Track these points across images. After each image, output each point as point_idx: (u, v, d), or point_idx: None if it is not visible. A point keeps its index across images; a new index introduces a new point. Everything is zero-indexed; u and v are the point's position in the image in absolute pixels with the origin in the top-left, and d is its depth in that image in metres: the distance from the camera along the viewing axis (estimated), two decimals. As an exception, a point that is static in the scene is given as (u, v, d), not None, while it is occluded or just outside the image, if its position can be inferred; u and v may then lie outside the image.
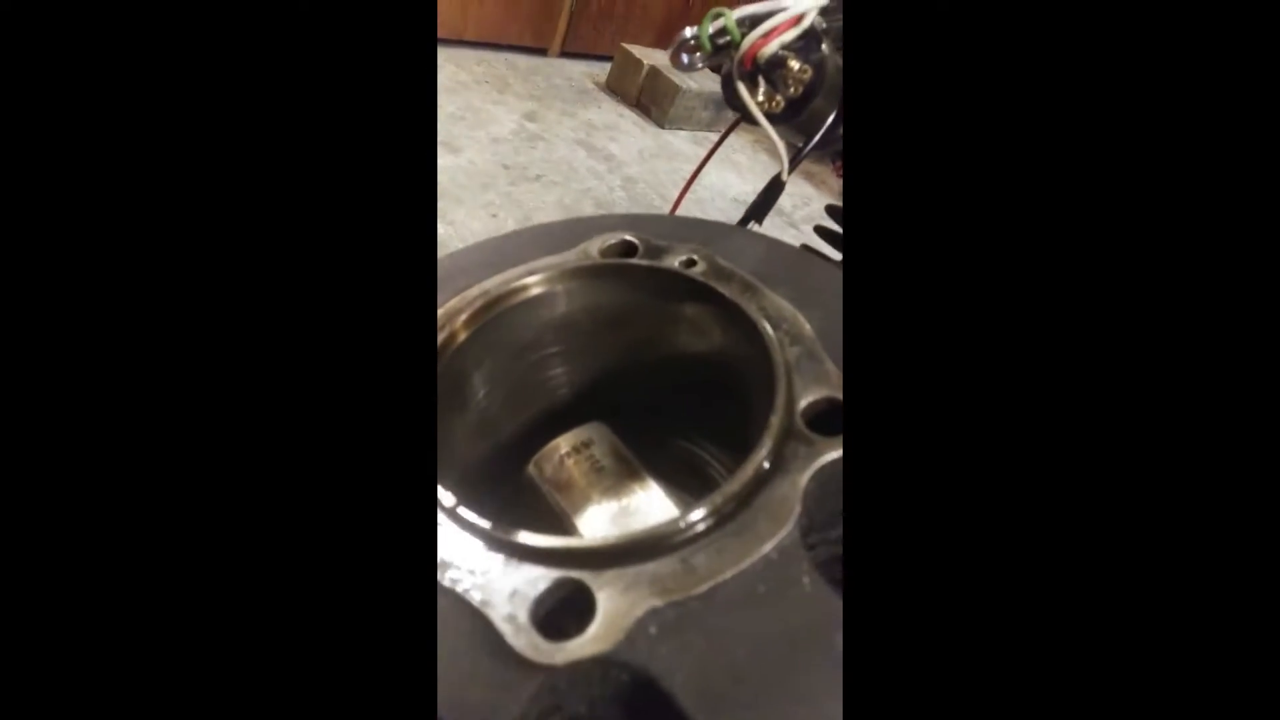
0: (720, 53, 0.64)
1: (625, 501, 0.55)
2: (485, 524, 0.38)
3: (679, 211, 0.93)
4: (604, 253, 0.55)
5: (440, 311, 0.51)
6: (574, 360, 0.58)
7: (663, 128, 3.31)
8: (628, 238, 0.56)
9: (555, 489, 0.57)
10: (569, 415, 0.61)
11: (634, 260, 0.53)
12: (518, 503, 0.58)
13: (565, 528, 0.56)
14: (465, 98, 2.99)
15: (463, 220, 2.33)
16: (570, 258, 0.54)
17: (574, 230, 0.57)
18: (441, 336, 0.48)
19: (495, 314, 0.51)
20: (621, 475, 0.58)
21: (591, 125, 3.14)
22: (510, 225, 2.38)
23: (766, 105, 0.65)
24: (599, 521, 0.55)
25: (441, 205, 2.36)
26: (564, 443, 0.60)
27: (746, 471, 0.38)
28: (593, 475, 0.58)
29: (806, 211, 3.03)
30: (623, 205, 2.73)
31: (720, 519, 0.37)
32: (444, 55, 3.21)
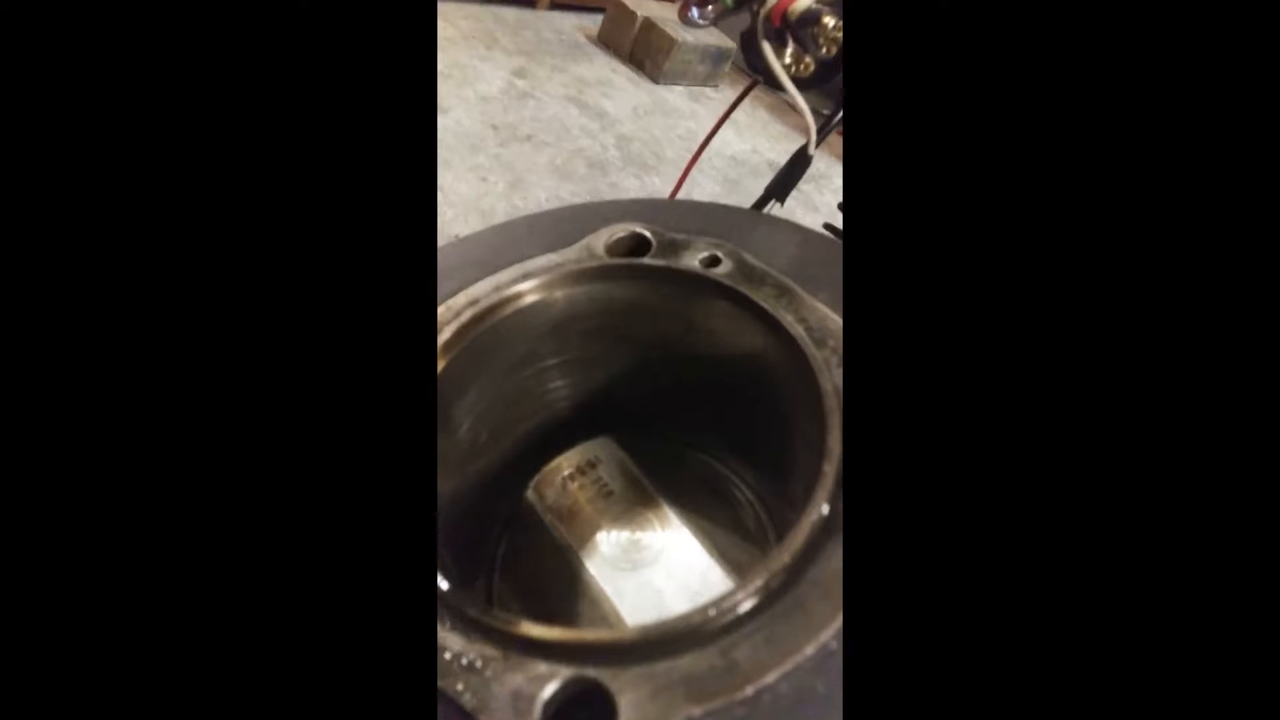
0: (742, 7, 0.55)
1: (639, 534, 0.49)
2: (478, 613, 0.31)
3: (684, 183, 0.84)
4: (611, 248, 0.47)
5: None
6: (576, 372, 0.51)
7: (657, 83, 3.17)
8: (638, 230, 0.47)
9: (558, 519, 0.50)
10: (571, 430, 0.54)
11: (647, 260, 0.45)
12: (516, 537, 0.51)
13: (569, 564, 0.49)
14: (451, 54, 2.85)
15: (450, 184, 2.24)
16: (572, 256, 0.46)
17: (576, 221, 0.49)
18: (425, 356, 0.41)
19: (485, 327, 0.43)
20: (633, 500, 0.51)
21: (583, 81, 3.02)
22: (500, 188, 2.29)
23: (794, 68, 0.56)
24: (609, 556, 0.49)
25: (428, 169, 2.25)
26: (566, 463, 0.53)
27: (797, 539, 0.31)
28: (600, 501, 0.51)
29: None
30: (617, 165, 2.64)
31: (767, 597, 0.30)
32: (427, 8, 3.06)
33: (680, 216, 0.49)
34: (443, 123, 2.47)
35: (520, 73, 2.91)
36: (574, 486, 0.51)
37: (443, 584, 0.32)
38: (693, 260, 0.45)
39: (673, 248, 0.46)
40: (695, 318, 0.46)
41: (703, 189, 2.58)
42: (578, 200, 2.33)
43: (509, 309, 0.44)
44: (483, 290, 0.45)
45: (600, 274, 0.45)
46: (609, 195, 2.40)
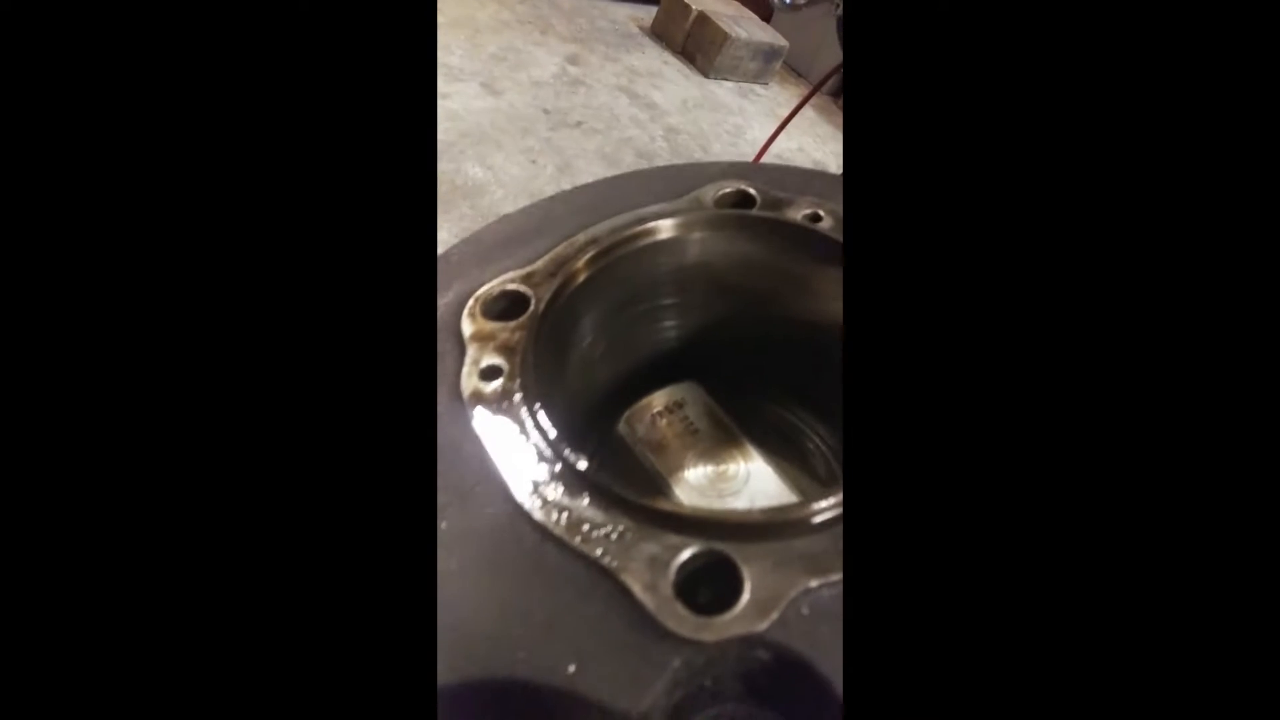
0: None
1: (723, 467, 0.53)
2: (619, 488, 0.35)
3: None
4: (718, 201, 0.52)
5: (548, 257, 0.48)
6: (678, 315, 0.55)
7: (707, 77, 3.21)
8: (743, 187, 0.52)
9: (649, 449, 0.55)
10: (663, 371, 0.58)
11: (754, 212, 0.49)
12: (607, 461, 0.55)
13: (659, 488, 0.53)
14: (506, 38, 2.91)
15: (501, 165, 2.28)
16: (683, 206, 0.51)
17: (682, 177, 0.54)
18: (557, 281, 0.45)
19: (615, 258, 0.48)
20: (717, 439, 0.55)
21: (634, 71, 3.06)
22: (550, 171, 2.33)
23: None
24: (696, 485, 0.53)
25: (480, 149, 2.31)
26: (656, 402, 0.57)
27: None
28: (688, 437, 0.55)
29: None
30: (664, 156, 2.67)
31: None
32: (487, -9, 3.11)
33: (777, 178, 0.54)
34: (496, 104, 2.52)
35: (573, 59, 2.95)
36: (663, 424, 0.56)
37: (582, 464, 0.37)
38: (796, 214, 0.49)
39: (776, 204, 0.51)
40: (794, 274, 0.50)
41: (747, 184, 2.61)
42: (625, 187, 2.37)
43: (627, 249, 0.48)
44: (601, 230, 0.49)
45: (713, 222, 0.49)
46: (655, 184, 2.44)
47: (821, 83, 0.72)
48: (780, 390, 0.60)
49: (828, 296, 0.50)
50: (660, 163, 2.59)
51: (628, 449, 0.56)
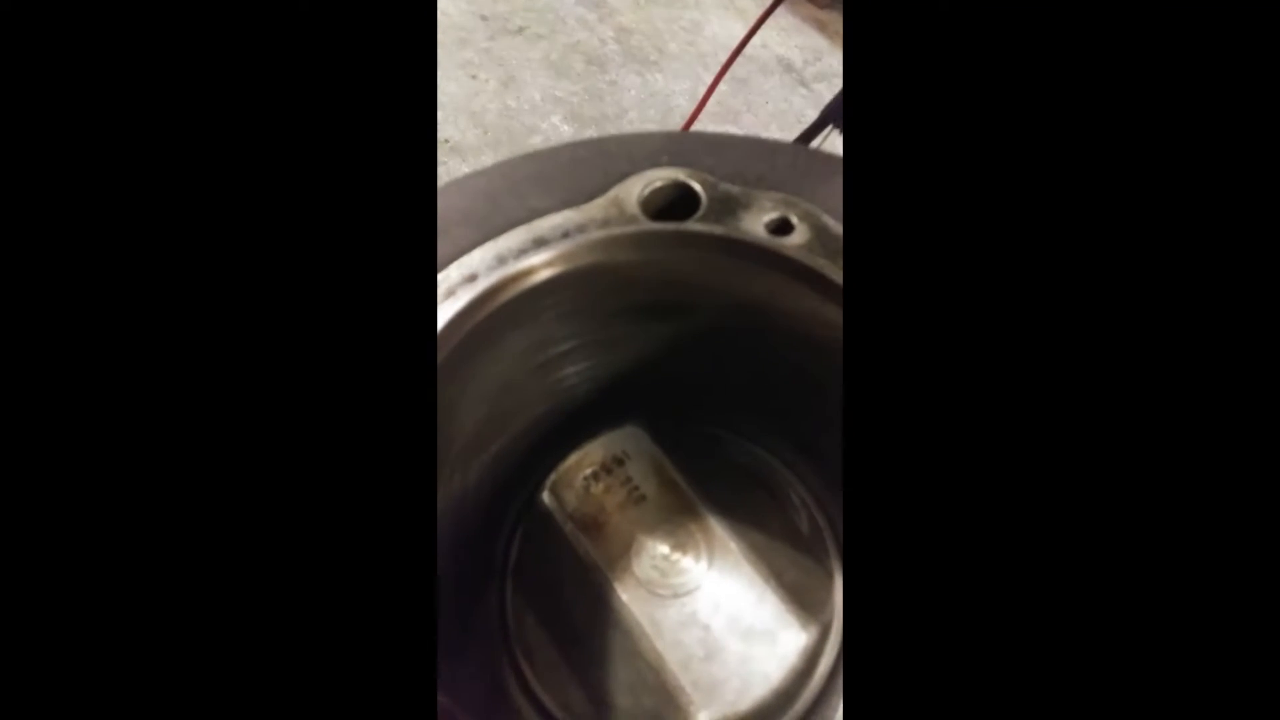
0: None
1: (678, 554, 0.41)
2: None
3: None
4: (646, 203, 0.36)
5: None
6: (598, 354, 0.41)
7: (660, -34, 2.91)
8: (682, 179, 0.37)
9: (581, 528, 0.42)
10: (592, 420, 0.45)
11: (697, 226, 0.34)
12: (529, 543, 0.43)
13: (595, 585, 0.41)
14: (431, -70, 2.60)
15: (439, 84, 2.09)
16: (597, 214, 0.35)
17: (599, 162, 0.38)
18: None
19: (489, 311, 0.33)
20: (669, 507, 0.43)
21: (579, -36, 2.76)
22: (492, 87, 2.14)
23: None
24: (644, 579, 0.41)
25: (411, 65, 2.09)
26: (588, 459, 0.44)
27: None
28: (631, 508, 0.43)
29: (818, 68, 2.74)
30: (616, 60, 2.46)
31: None
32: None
33: (730, 158, 0.38)
34: (426, 12, 2.28)
35: (510, -46, 2.66)
36: (598, 489, 0.43)
37: (442, 697, 0.24)
38: (756, 224, 0.35)
39: (727, 205, 0.36)
40: (753, 293, 0.36)
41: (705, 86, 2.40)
42: (575, 100, 2.18)
43: (517, 288, 0.34)
44: (481, 261, 0.35)
45: (637, 242, 0.34)
46: (609, 94, 2.24)
47: (767, 13, 0.55)
48: (749, 423, 0.47)
49: (798, 319, 0.36)
50: (613, 69, 2.38)
51: (556, 526, 0.43)
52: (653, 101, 2.37)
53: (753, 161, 0.38)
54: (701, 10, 2.79)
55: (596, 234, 0.34)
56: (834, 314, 0.33)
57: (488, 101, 2.15)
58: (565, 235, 0.35)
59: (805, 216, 0.34)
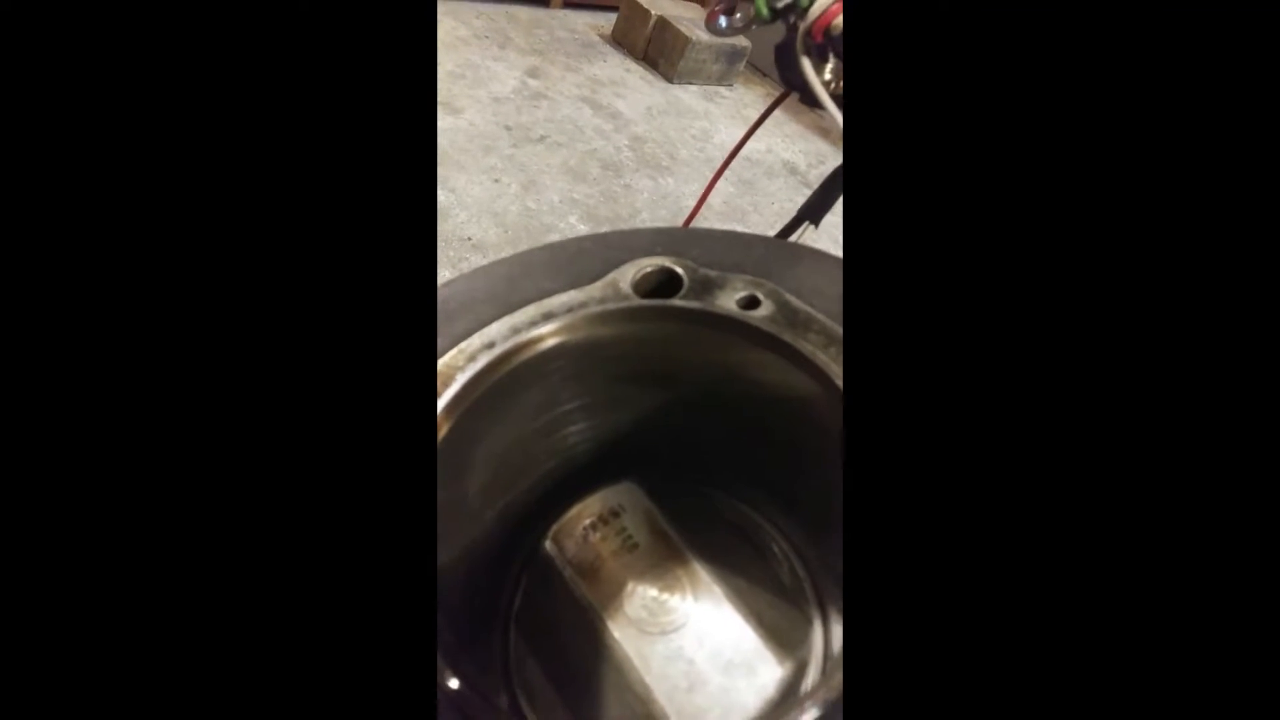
0: (779, 17, 0.51)
1: (666, 595, 0.45)
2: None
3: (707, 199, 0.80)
4: (638, 285, 0.43)
5: (437, 367, 0.39)
6: (598, 415, 0.47)
7: (671, 82, 3.13)
8: (668, 265, 0.44)
9: (578, 573, 0.47)
10: (592, 476, 0.50)
11: (681, 302, 0.41)
12: (533, 589, 0.47)
13: (591, 624, 0.45)
14: (464, 54, 2.82)
15: (464, 187, 2.21)
16: (596, 294, 0.42)
17: (600, 253, 0.45)
18: (447, 398, 0.37)
19: (503, 374, 0.39)
20: (660, 555, 0.47)
21: (597, 81, 2.98)
22: (514, 190, 2.26)
23: (834, 84, 0.52)
24: (634, 618, 0.45)
25: (442, 171, 2.24)
26: (587, 511, 0.49)
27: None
28: (625, 555, 0.47)
29: (821, 170, 2.88)
30: (630, 166, 2.60)
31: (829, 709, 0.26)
32: (442, 9, 3.03)
33: (713, 249, 0.46)
34: (455, 124, 2.44)
35: (533, 73, 2.87)
36: (595, 538, 0.48)
37: (453, 683, 0.29)
38: (729, 300, 0.41)
39: (706, 286, 0.42)
40: (732, 363, 0.42)
41: (716, 191, 2.53)
42: (591, 203, 2.30)
43: (528, 354, 0.40)
44: (498, 332, 0.41)
45: (629, 315, 0.41)
46: (623, 197, 2.36)
47: (766, 114, 0.64)
48: (736, 482, 0.52)
49: (771, 385, 0.42)
50: (627, 174, 2.52)
51: (556, 572, 0.48)
52: (664, 203, 2.47)
53: (730, 251, 0.45)
54: (710, 120, 2.99)
55: (595, 309, 0.41)
56: (797, 378, 0.39)
57: (509, 203, 2.24)
58: (569, 310, 0.41)
59: (770, 294, 0.41)
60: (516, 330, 0.41)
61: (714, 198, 2.48)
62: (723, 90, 3.27)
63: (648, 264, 0.44)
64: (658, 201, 2.42)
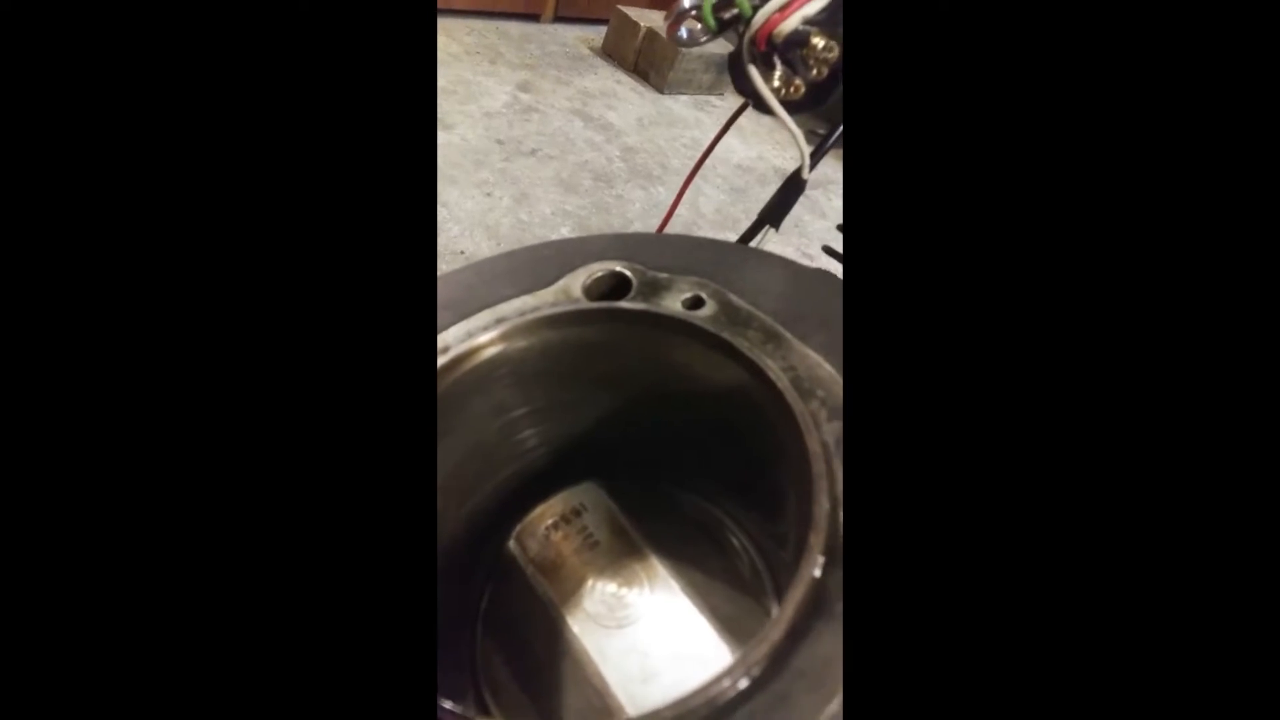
0: (727, 28, 0.52)
1: (624, 590, 0.46)
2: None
3: (690, 194, 0.82)
4: (589, 289, 0.45)
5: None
6: (551, 418, 0.48)
7: (662, 93, 3.15)
8: (618, 269, 0.45)
9: (540, 571, 0.48)
10: (552, 478, 0.51)
11: (624, 304, 0.42)
12: (499, 589, 0.48)
13: (552, 620, 0.46)
14: (455, 70, 2.85)
15: (456, 201, 2.23)
16: (548, 298, 0.44)
17: (556, 259, 0.47)
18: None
19: (451, 380, 0.41)
20: (619, 551, 0.48)
21: (588, 94, 3.00)
22: (506, 203, 2.28)
23: (783, 90, 0.54)
24: (593, 613, 0.46)
25: (433, 185, 2.25)
26: (549, 512, 0.51)
27: (782, 621, 0.28)
28: (585, 553, 0.48)
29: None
30: (622, 177, 2.62)
31: (753, 685, 0.28)
32: (431, 24, 3.06)
33: (664, 253, 0.47)
34: (447, 139, 2.47)
35: (524, 86, 2.90)
36: (557, 536, 0.49)
37: (445, 704, 0.30)
38: (674, 301, 0.43)
39: (654, 288, 0.44)
40: (676, 361, 0.43)
41: (709, 198, 2.55)
42: (583, 214, 2.32)
43: (475, 360, 0.42)
44: (454, 337, 0.43)
45: (576, 318, 0.42)
46: (615, 207, 2.38)
47: (726, 126, 0.65)
48: (692, 477, 0.53)
49: (715, 382, 0.44)
50: (619, 184, 2.54)
51: (520, 571, 0.49)
52: (655, 212, 2.48)
53: (680, 255, 0.47)
54: (702, 129, 3.01)
55: (545, 312, 0.42)
56: (735, 372, 0.40)
57: (501, 216, 2.25)
58: (520, 314, 0.43)
59: (714, 294, 0.42)
60: (470, 335, 0.42)
61: (706, 206, 2.50)
62: (713, 99, 3.29)
63: (599, 268, 0.45)
64: (650, 211, 2.43)
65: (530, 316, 0.42)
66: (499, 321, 0.43)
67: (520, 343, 0.42)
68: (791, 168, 0.63)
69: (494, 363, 0.42)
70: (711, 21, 0.51)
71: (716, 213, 2.51)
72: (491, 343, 0.41)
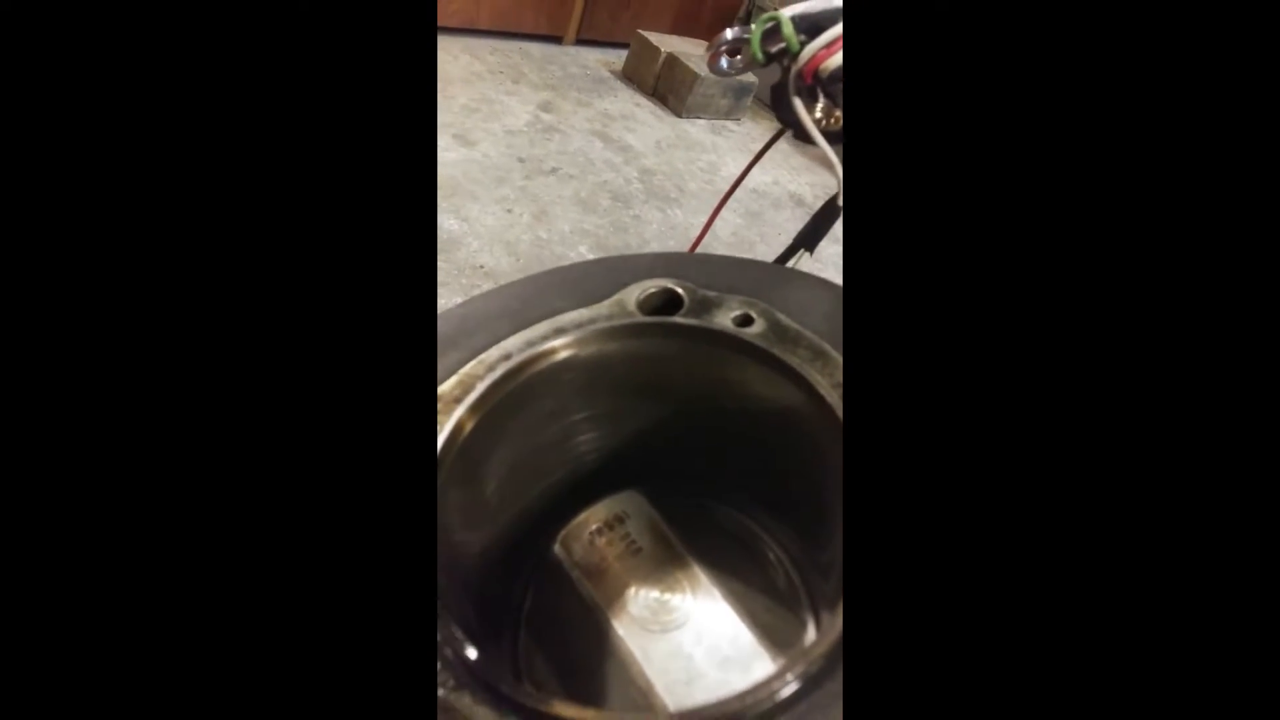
0: (772, 61, 0.55)
1: (668, 596, 0.48)
2: (509, 689, 0.30)
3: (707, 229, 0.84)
4: (643, 304, 0.47)
5: (455, 379, 0.43)
6: (605, 425, 0.51)
7: (680, 117, 3.20)
8: (670, 286, 0.47)
9: (585, 575, 0.50)
10: (599, 484, 0.53)
11: (681, 319, 0.44)
12: (542, 591, 0.50)
13: (596, 623, 0.48)
14: (479, 89, 2.90)
15: (476, 216, 2.26)
16: (604, 311, 0.46)
17: (607, 275, 0.49)
18: (457, 414, 0.41)
19: (518, 383, 0.43)
20: (661, 559, 0.50)
21: (608, 115, 3.05)
22: (525, 220, 2.30)
23: (824, 121, 0.56)
24: (637, 616, 0.48)
25: (455, 200, 2.29)
26: (594, 517, 0.52)
27: (836, 627, 0.30)
28: (629, 558, 0.50)
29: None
30: (640, 198, 2.65)
31: (807, 684, 0.29)
32: (457, 45, 3.12)
33: (710, 272, 0.49)
34: (470, 155, 2.51)
35: (546, 107, 2.95)
36: (601, 542, 0.51)
37: (471, 653, 0.32)
38: (725, 319, 0.45)
39: (704, 305, 0.46)
40: (729, 377, 0.45)
41: (725, 221, 2.58)
42: (601, 233, 2.35)
43: (542, 365, 0.44)
44: (514, 345, 0.45)
45: (634, 331, 0.45)
46: (632, 227, 2.41)
47: (764, 150, 0.68)
48: (734, 492, 0.55)
49: (764, 398, 0.46)
50: (636, 205, 2.57)
51: (564, 574, 0.51)
52: (672, 233, 2.50)
53: (727, 274, 0.49)
54: (718, 153, 3.06)
55: (603, 324, 0.44)
56: (786, 390, 0.42)
57: (521, 233, 2.27)
58: (579, 326, 0.45)
59: (763, 313, 0.44)
60: (531, 344, 0.44)
61: (722, 229, 2.53)
62: (730, 124, 3.34)
63: (651, 285, 0.48)
64: (666, 232, 2.46)
65: (591, 328, 0.44)
66: (558, 331, 0.45)
67: (583, 351, 0.44)
68: (805, 193, 0.66)
69: (557, 369, 0.44)
70: (759, 55, 0.54)
71: (733, 235, 2.54)
72: (556, 350, 0.44)
